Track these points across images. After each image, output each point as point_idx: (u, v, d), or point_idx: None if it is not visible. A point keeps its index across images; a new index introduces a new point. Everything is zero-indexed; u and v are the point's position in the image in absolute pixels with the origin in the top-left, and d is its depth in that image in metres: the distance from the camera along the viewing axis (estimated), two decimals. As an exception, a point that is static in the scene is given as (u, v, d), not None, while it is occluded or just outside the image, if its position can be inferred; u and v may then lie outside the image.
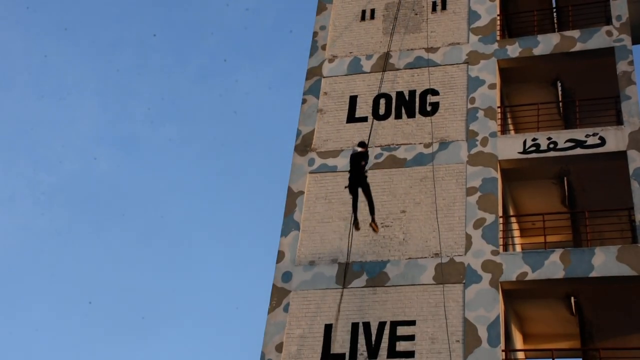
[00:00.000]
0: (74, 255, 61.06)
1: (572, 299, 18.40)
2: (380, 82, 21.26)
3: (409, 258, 18.23)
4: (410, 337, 17.15)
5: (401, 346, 17.09)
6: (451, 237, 18.32)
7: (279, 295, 18.46)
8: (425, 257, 18.14)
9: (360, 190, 17.25)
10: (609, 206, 19.61)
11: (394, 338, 17.24)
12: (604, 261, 17.10)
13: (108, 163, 65.78)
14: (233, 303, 62.54)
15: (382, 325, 17.46)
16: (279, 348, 17.65)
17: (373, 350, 17.16)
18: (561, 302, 18.62)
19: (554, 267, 17.30)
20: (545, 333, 20.25)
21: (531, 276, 17.33)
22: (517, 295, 18.15)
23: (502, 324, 17.04)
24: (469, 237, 18.14)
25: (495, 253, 17.78)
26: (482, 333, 16.73)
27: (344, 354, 17.23)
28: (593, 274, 17.04)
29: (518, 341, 19.75)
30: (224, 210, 65.20)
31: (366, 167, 17.24)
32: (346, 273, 18.27)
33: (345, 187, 17.34)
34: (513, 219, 21.05)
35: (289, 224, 19.52)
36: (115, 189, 64.11)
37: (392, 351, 17.06)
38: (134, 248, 62.92)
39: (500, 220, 18.50)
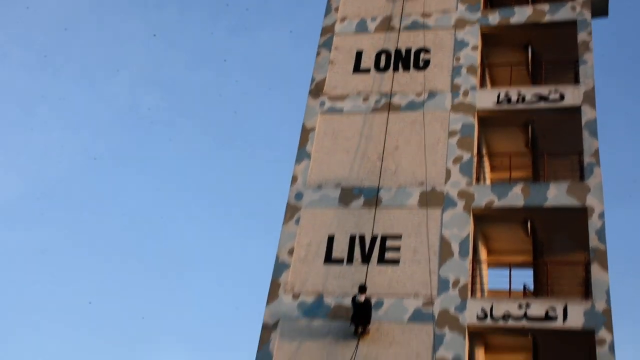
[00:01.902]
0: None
1: (529, 223, 19.00)
2: (397, 41, 21.37)
3: (399, 186, 18.87)
4: (397, 249, 17.90)
5: (389, 255, 17.87)
6: (434, 170, 18.88)
7: (292, 211, 19.14)
8: (412, 186, 18.76)
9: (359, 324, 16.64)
10: (564, 150, 19.80)
11: (383, 248, 17.96)
12: (556, 194, 17.79)
13: (154, 98, 64.05)
14: (255, 216, 62.34)
15: (374, 238, 18.17)
16: (291, 252, 18.46)
17: (366, 257, 17.92)
18: (519, 225, 19.19)
19: (515, 197, 18.01)
20: (505, 249, 20.84)
21: (497, 204, 18.06)
22: (484, 219, 18.81)
23: (471, 241, 17.77)
24: (448, 171, 18.77)
25: (469, 184, 18.46)
26: (455, 247, 17.54)
27: (342, 259, 18.02)
28: (547, 204, 17.76)
29: (483, 255, 20.47)
30: (249, 143, 63.33)
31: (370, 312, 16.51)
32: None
33: (350, 325, 16.66)
34: (485, 158, 21.46)
35: (302, 155, 20.09)
36: (156, 127, 61.96)
37: (381, 259, 17.83)
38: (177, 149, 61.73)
39: (475, 158, 19.09)
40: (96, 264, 56.68)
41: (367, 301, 16.41)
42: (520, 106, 19.64)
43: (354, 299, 16.44)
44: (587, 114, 19.01)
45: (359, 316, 16.36)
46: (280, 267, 18.30)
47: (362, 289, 16.47)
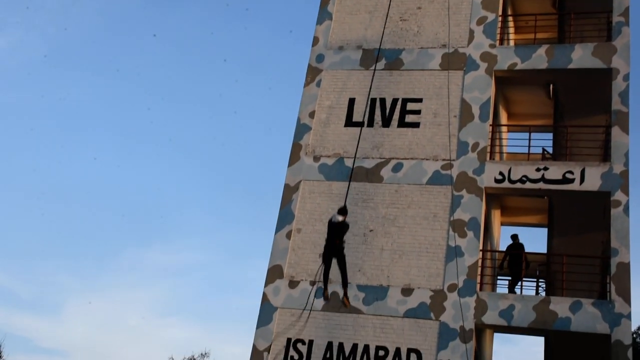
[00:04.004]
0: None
1: (551, 86, 18.58)
2: None
3: (421, 47, 18.26)
4: (417, 112, 17.58)
5: (409, 118, 17.60)
6: (457, 31, 18.20)
7: (313, 73, 18.72)
8: (434, 47, 18.15)
9: (334, 260, 13.66)
10: (592, 9, 18.91)
11: (404, 111, 17.68)
12: (581, 55, 17.14)
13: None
14: (270, 80, 61.95)
15: (395, 101, 17.84)
16: (312, 115, 18.23)
17: (387, 121, 17.70)
18: (542, 88, 18.80)
19: (539, 59, 17.35)
20: (525, 113, 20.55)
21: (520, 66, 17.44)
22: (506, 82, 18.34)
23: (492, 104, 17.43)
24: (472, 32, 18.07)
25: (492, 46, 17.79)
26: (475, 111, 17.17)
27: (362, 122, 17.73)
28: (571, 66, 17.15)
29: (503, 118, 20.16)
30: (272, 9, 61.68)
31: (344, 238, 13.70)
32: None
33: (320, 256, 14.01)
34: (510, 18, 20.60)
35: (324, 15, 19.37)
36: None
37: (402, 122, 17.59)
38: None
39: (499, 18, 18.28)
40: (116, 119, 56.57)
41: (345, 224, 13.52)
42: (550, -38, 18.53)
43: (330, 221, 13.62)
44: (619, -31, 17.84)
45: (334, 241, 13.31)
46: (301, 130, 18.14)
47: (342, 210, 13.72)
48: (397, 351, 15.38)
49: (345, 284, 13.64)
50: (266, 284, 16.66)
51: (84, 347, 53.57)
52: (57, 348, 56.60)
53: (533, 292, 18.81)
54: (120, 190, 61.62)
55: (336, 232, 13.30)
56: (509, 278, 17.08)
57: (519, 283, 16.97)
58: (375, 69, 18.05)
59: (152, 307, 59.90)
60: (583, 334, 14.85)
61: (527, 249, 17.22)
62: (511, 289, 16.75)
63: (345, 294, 13.85)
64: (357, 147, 16.94)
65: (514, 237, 17.27)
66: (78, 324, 55.75)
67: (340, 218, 13.40)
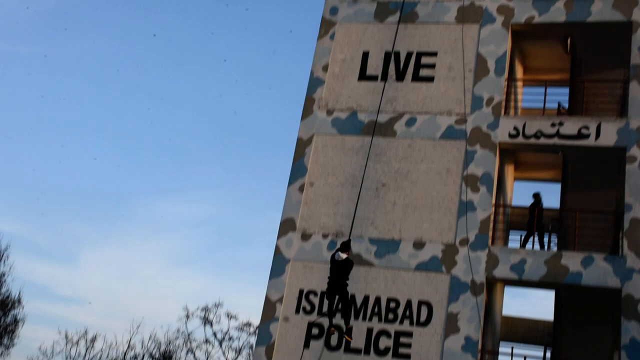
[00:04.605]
0: None
1: (569, 39, 18.20)
2: None
3: (437, 0, 17.94)
4: (432, 66, 17.41)
5: (424, 72, 17.44)
6: None
7: (326, 26, 18.55)
8: (450, 0, 17.81)
9: (337, 297, 12.82)
10: None
11: (418, 65, 17.51)
12: (601, 8, 16.80)
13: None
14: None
15: (409, 54, 17.66)
16: (325, 68, 18.12)
17: (401, 74, 17.55)
18: (559, 42, 18.41)
19: (557, 12, 17.05)
20: (542, 67, 20.14)
21: (537, 19, 17.15)
22: (523, 36, 18.03)
23: (508, 58, 17.17)
24: None
25: None
26: (491, 65, 16.97)
27: (377, 76, 17.64)
28: (590, 19, 16.80)
29: (519, 72, 19.83)
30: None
31: (349, 275, 12.80)
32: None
33: (323, 292, 12.59)
34: None
35: None
36: None
37: (416, 76, 17.44)
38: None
39: None
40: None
41: (348, 261, 12.68)
42: None
43: (333, 257, 12.86)
44: None
45: (338, 278, 12.59)
46: (314, 83, 18.05)
47: (346, 246, 12.74)
48: (408, 303, 15.53)
49: (347, 320, 12.96)
50: (279, 237, 16.79)
51: (100, 295, 54.78)
52: (74, 295, 57.91)
53: (545, 247, 18.79)
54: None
55: (339, 269, 12.63)
56: (524, 232, 17.07)
57: (533, 238, 16.92)
58: (400, 21, 17.77)
59: (166, 258, 60.83)
60: (594, 288, 14.88)
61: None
62: (524, 244, 16.75)
63: (346, 330, 13.18)
64: (381, 101, 16.84)
65: (536, 195, 17.16)
66: (94, 272, 56.89)
67: (343, 256, 12.66)
